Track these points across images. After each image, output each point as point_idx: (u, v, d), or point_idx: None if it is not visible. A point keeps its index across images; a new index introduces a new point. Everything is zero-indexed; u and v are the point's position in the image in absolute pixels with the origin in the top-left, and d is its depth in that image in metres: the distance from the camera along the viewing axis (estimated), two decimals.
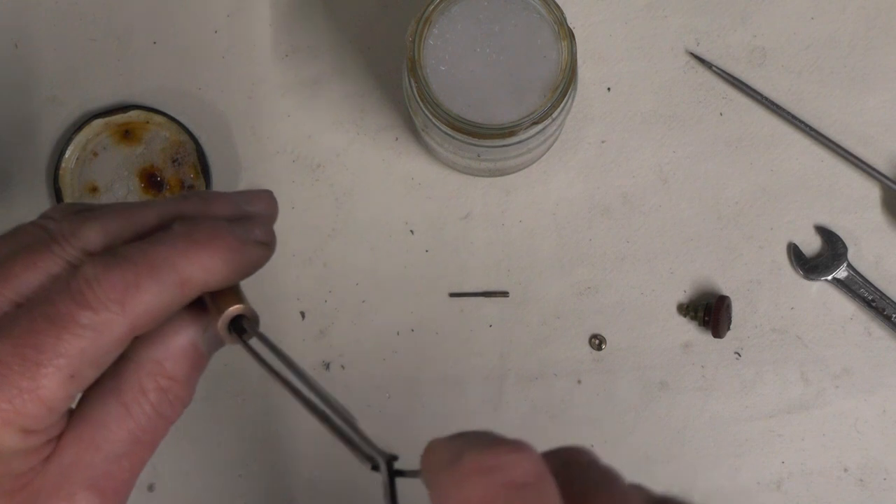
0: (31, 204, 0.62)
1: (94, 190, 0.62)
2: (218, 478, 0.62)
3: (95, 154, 0.62)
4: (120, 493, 0.38)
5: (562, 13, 0.51)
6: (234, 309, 0.38)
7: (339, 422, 0.36)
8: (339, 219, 0.62)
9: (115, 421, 0.37)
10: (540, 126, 0.52)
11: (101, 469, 0.37)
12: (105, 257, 0.36)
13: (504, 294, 0.62)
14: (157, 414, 0.38)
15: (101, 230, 0.38)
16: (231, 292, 0.38)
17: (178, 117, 0.62)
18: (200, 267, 0.37)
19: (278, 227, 0.62)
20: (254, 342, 0.38)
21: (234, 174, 0.63)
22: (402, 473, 0.35)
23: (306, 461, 0.62)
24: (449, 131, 0.52)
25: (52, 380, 0.35)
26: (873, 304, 0.61)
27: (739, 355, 0.62)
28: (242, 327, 0.38)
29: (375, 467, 0.35)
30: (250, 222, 0.40)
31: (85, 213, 0.39)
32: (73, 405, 0.37)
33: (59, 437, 0.37)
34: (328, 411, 0.36)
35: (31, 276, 0.37)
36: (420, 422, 0.62)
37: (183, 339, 0.38)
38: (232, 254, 0.37)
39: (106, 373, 0.37)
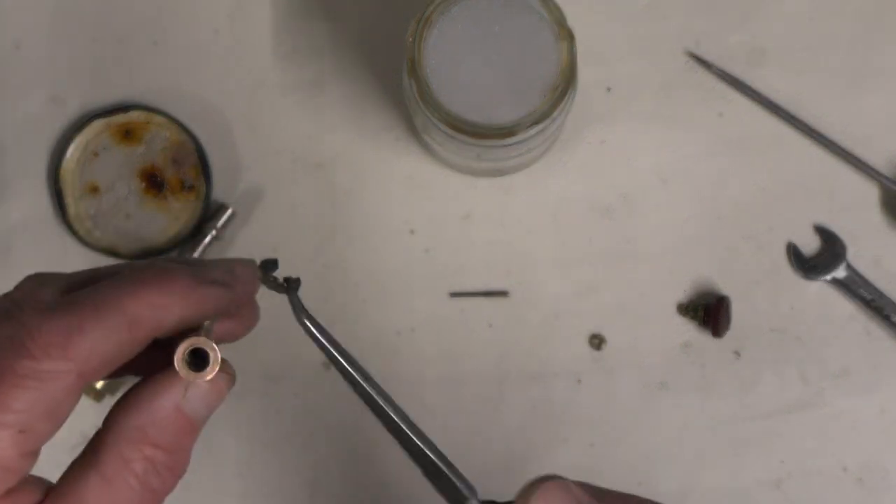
0: (32, 204, 0.62)
1: (95, 190, 0.62)
2: (218, 478, 0.62)
3: (96, 154, 0.62)
4: None
5: (562, 14, 0.51)
6: (190, 343, 0.35)
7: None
8: (339, 219, 0.62)
9: (95, 496, 0.35)
10: (540, 126, 0.52)
11: None
12: (47, 305, 0.35)
13: (504, 294, 0.62)
14: (144, 486, 0.35)
15: (56, 286, 0.36)
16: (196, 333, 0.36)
17: (178, 117, 0.62)
18: (148, 305, 0.35)
19: (278, 227, 0.62)
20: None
21: (234, 174, 0.63)
22: None
23: (307, 461, 0.62)
24: (449, 131, 0.52)
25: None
26: (872, 304, 0.61)
27: (739, 355, 0.62)
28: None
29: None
30: (210, 265, 0.38)
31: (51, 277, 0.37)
32: (49, 476, 0.35)
33: None
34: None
35: None
36: (420, 422, 0.62)
37: (164, 401, 0.36)
38: (183, 291, 0.36)
39: (87, 445, 0.35)
